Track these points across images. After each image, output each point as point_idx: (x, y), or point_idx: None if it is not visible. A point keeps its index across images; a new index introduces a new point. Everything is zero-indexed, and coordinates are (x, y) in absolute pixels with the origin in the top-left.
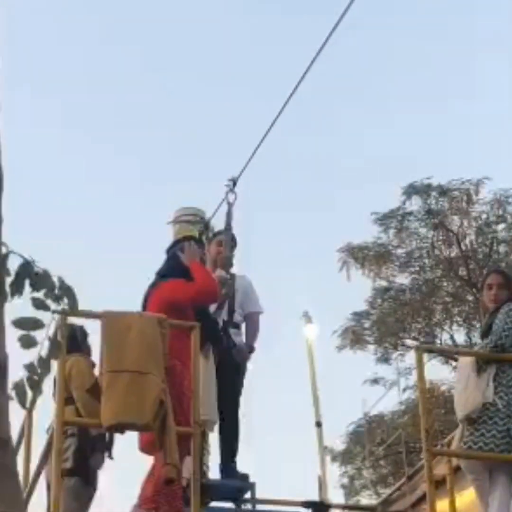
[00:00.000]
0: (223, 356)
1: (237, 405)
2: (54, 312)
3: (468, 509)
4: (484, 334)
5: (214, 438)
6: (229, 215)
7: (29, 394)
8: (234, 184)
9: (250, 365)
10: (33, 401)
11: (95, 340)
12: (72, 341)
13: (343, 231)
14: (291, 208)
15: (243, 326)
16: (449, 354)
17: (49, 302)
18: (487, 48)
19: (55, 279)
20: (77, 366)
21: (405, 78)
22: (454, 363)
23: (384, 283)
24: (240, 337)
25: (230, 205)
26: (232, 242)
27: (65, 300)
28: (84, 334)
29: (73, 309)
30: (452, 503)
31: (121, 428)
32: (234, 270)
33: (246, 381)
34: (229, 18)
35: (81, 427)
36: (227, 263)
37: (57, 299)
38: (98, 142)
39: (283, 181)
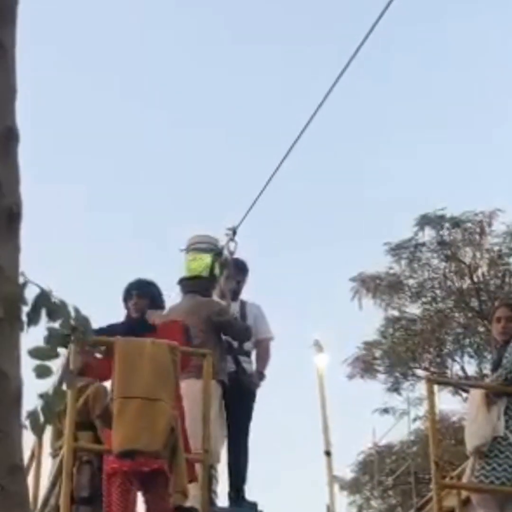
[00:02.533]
0: (233, 383)
1: (246, 433)
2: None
3: None
4: (495, 367)
5: (223, 466)
6: (230, 263)
7: (42, 422)
8: (234, 233)
9: (260, 392)
10: (44, 428)
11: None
12: (84, 367)
13: (356, 261)
14: (308, 240)
15: (254, 353)
16: (459, 386)
17: (64, 331)
18: (499, 75)
19: (71, 308)
20: (101, 393)
21: (415, 109)
22: (465, 395)
23: (395, 313)
24: (250, 364)
25: (231, 253)
26: (243, 271)
27: (80, 330)
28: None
29: (88, 338)
30: None
31: (132, 454)
32: (245, 297)
33: (256, 409)
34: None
35: (97, 454)
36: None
37: (73, 329)
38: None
39: (299, 218)
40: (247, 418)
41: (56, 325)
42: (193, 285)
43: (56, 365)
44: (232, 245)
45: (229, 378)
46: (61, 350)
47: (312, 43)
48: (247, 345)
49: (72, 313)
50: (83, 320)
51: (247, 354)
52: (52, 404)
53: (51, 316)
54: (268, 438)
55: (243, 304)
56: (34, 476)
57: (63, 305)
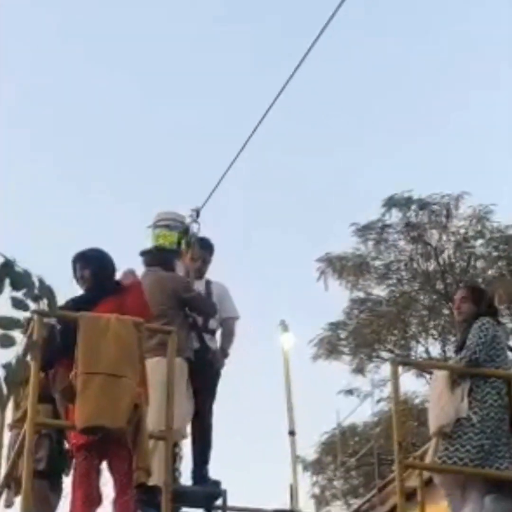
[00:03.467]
0: (197, 361)
1: (210, 412)
2: (33, 312)
3: None
4: (459, 349)
5: (186, 444)
6: (194, 244)
7: (5, 393)
8: (198, 214)
9: (225, 371)
10: (7, 399)
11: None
12: (50, 340)
13: (322, 242)
14: (272, 217)
15: (218, 332)
16: (423, 367)
17: (28, 301)
18: (467, 56)
19: (35, 279)
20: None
21: (385, 93)
22: (428, 376)
23: (361, 294)
24: (215, 343)
25: (194, 235)
26: (208, 250)
27: (45, 300)
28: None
29: (52, 309)
30: None
31: (95, 431)
32: (210, 276)
33: (219, 388)
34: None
35: (59, 428)
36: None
37: (36, 299)
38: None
39: (265, 194)
40: (210, 396)
41: (20, 294)
42: (157, 258)
43: (19, 335)
44: (195, 226)
45: (193, 356)
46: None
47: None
48: (212, 324)
49: (36, 283)
50: (47, 291)
51: (212, 333)
52: (15, 375)
53: (15, 286)
54: (233, 417)
55: (208, 283)
56: None
57: (27, 274)
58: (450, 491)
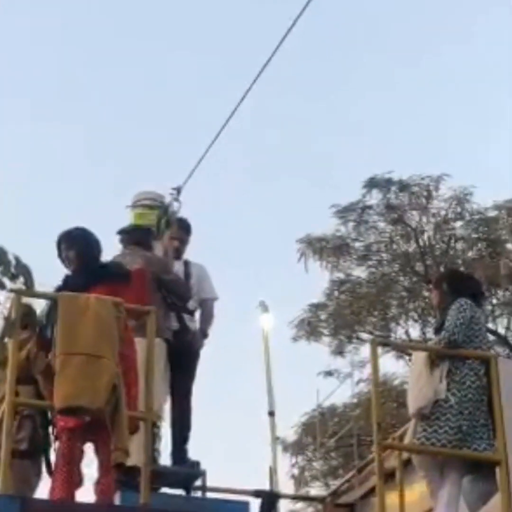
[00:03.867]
0: (176, 341)
1: (189, 392)
2: (10, 290)
3: (417, 503)
4: (438, 330)
5: (165, 425)
6: (173, 223)
7: None
8: (178, 192)
9: (204, 352)
10: None
11: None
12: (28, 319)
13: (302, 223)
14: (251, 199)
15: (198, 313)
16: (403, 348)
17: (4, 280)
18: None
19: (11, 257)
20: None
21: (365, 68)
22: (408, 358)
23: (341, 276)
24: (194, 323)
25: (174, 213)
26: (186, 230)
27: (21, 279)
28: (35, 313)
29: (29, 288)
30: (401, 496)
31: (73, 411)
32: (189, 257)
33: (199, 368)
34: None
35: (42, 410)
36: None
37: (13, 277)
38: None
39: (243, 172)
40: (190, 377)
41: None
42: (134, 237)
43: None
44: (176, 205)
45: (172, 336)
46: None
47: None
48: (191, 304)
49: (13, 262)
50: (24, 269)
51: (191, 313)
52: None
53: None
54: (212, 398)
55: (187, 264)
56: None
57: (3, 253)
58: (428, 472)
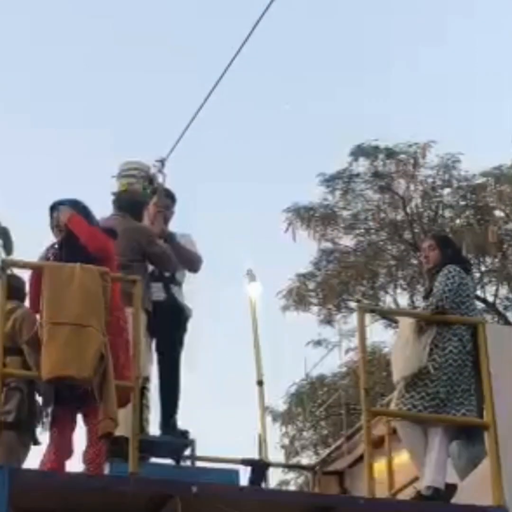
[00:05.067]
0: (164, 311)
1: (178, 362)
2: None
3: (404, 469)
4: (427, 296)
5: (154, 394)
6: (160, 194)
7: None
8: (163, 164)
9: (192, 322)
10: None
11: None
12: (13, 290)
13: (289, 192)
14: (239, 166)
15: (184, 286)
16: (390, 315)
17: None
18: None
19: None
20: (30, 318)
21: (351, 40)
22: (396, 326)
23: (329, 245)
24: (181, 294)
25: (160, 185)
26: (170, 200)
27: (0, 242)
28: (22, 283)
29: (8, 251)
30: (389, 463)
31: (61, 381)
32: (175, 228)
33: (187, 337)
34: None
35: (29, 381)
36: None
37: None
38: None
39: (231, 140)
40: (177, 347)
41: None
42: (129, 203)
43: None
44: (160, 177)
45: (159, 306)
46: None
47: None
48: (179, 276)
49: None
50: (3, 232)
51: (179, 284)
52: None
53: None
54: (200, 368)
55: (172, 236)
56: None
57: None
58: (409, 437)
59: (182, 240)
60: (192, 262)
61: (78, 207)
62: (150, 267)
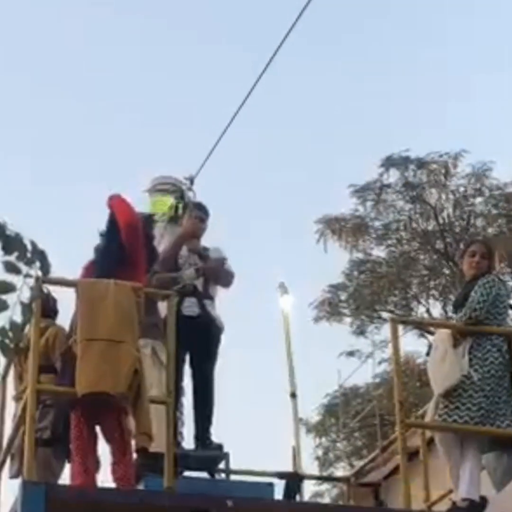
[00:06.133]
0: (198, 327)
1: (212, 376)
2: (26, 276)
3: (440, 481)
4: (459, 304)
5: (189, 408)
6: (189, 211)
7: (1, 359)
8: (192, 182)
9: (225, 334)
10: (7, 367)
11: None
12: (46, 307)
13: (321, 203)
14: (269, 180)
15: (217, 300)
16: (423, 326)
17: (21, 265)
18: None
19: (27, 242)
20: (61, 336)
21: (382, 51)
22: (431, 337)
23: (361, 256)
24: (214, 308)
25: (189, 202)
26: (205, 212)
27: (37, 264)
28: (54, 300)
29: (45, 273)
30: (425, 474)
31: (96, 397)
32: (207, 242)
33: (221, 351)
34: None
35: (60, 397)
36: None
37: (29, 262)
38: None
39: (261, 155)
40: (211, 361)
41: (12, 258)
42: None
43: (12, 299)
44: (190, 194)
45: (193, 321)
46: (18, 284)
47: None
48: (212, 290)
49: (29, 247)
50: (40, 254)
51: (211, 298)
52: (9, 338)
53: (7, 249)
54: (234, 380)
55: (205, 250)
56: None
57: (18, 238)
58: (449, 449)
59: (214, 254)
60: (224, 277)
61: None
62: (183, 283)
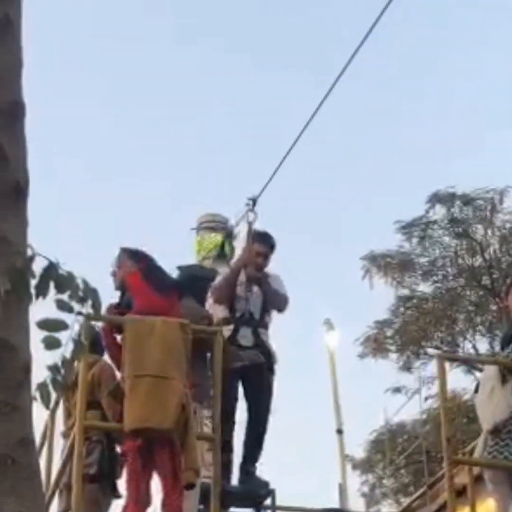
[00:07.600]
0: (252, 358)
1: (268, 409)
2: (78, 313)
3: None
4: (506, 341)
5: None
6: (249, 234)
7: (53, 395)
8: (254, 203)
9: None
10: (57, 402)
11: None
12: (94, 344)
13: (366, 239)
14: (316, 217)
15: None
16: (471, 362)
17: (73, 303)
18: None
19: (79, 280)
20: (107, 372)
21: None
22: (478, 374)
23: (406, 292)
24: (268, 336)
25: (250, 224)
26: (271, 246)
27: (89, 302)
28: (99, 337)
29: (96, 310)
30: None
31: (144, 432)
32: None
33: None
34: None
35: (107, 433)
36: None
37: (81, 300)
38: None
39: (306, 191)
40: (268, 394)
41: (65, 297)
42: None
43: (64, 336)
44: (251, 216)
45: (247, 354)
46: (69, 321)
47: None
48: (267, 318)
49: (81, 285)
50: (92, 292)
51: (266, 327)
52: (61, 375)
53: (59, 288)
54: (279, 417)
55: (265, 276)
56: (47, 453)
57: (71, 277)
58: (499, 486)
59: (272, 280)
60: (280, 303)
61: (143, 259)
62: (239, 312)
